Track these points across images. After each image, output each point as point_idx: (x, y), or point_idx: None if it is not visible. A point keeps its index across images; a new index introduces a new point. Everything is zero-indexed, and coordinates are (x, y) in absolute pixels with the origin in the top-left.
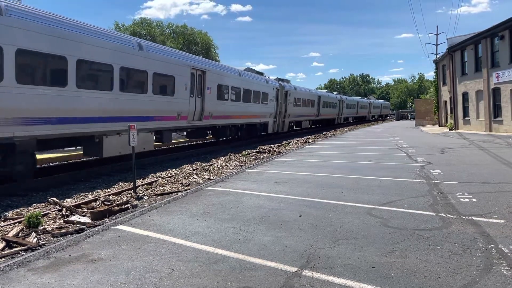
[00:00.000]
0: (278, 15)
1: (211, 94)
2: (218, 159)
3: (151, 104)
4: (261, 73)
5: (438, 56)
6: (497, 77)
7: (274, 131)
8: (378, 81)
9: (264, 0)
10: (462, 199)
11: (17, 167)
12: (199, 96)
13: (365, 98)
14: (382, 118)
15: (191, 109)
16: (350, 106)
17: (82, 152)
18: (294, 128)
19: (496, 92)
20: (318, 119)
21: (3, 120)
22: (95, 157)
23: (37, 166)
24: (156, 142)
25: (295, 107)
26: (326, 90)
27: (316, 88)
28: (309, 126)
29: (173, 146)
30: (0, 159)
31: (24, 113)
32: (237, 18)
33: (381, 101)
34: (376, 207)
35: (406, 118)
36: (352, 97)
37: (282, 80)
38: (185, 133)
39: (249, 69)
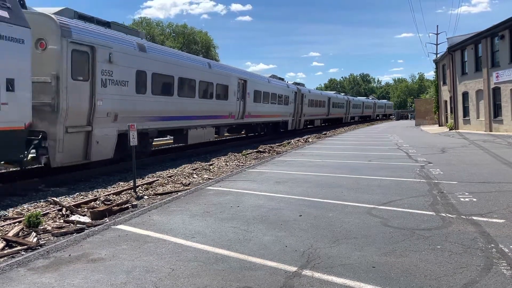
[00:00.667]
0: (278, 14)
1: (250, 98)
2: (218, 158)
3: (214, 106)
4: (282, 79)
5: (438, 55)
6: (497, 76)
7: (293, 128)
8: (378, 80)
9: (264, 0)
10: (462, 199)
11: (148, 147)
12: (242, 100)
13: (370, 98)
14: (386, 117)
15: (237, 110)
16: (356, 106)
17: (172, 141)
18: (308, 126)
19: (496, 91)
20: (328, 118)
21: (143, 118)
22: (183, 144)
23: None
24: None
25: (309, 108)
26: (334, 92)
27: (316, 88)
28: (320, 124)
29: (173, 146)
30: (138, 142)
31: (153, 113)
32: (237, 17)
33: (385, 101)
34: (376, 206)
35: (406, 118)
36: (358, 97)
37: (298, 84)
38: (226, 128)
39: (273, 76)
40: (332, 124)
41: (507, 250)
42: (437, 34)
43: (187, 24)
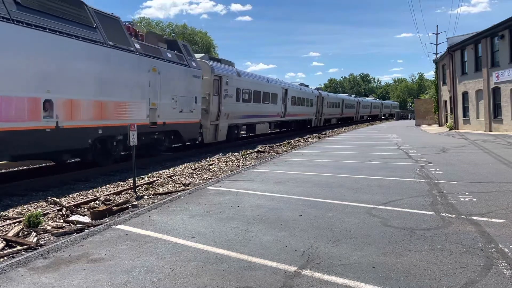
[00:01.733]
0: (278, 14)
1: (289, 102)
2: (218, 158)
3: (270, 109)
4: (307, 86)
5: (438, 55)
6: (497, 76)
7: (315, 125)
8: (378, 80)
9: (264, 0)
10: (462, 199)
11: (238, 134)
12: (284, 104)
13: (377, 99)
14: (392, 116)
15: (282, 111)
16: (365, 106)
17: (244, 132)
18: (326, 124)
19: (496, 91)
20: (342, 117)
21: (238, 116)
22: (251, 134)
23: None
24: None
25: (327, 108)
26: (347, 95)
27: (316, 88)
28: (336, 122)
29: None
30: (234, 131)
31: (241, 113)
32: (237, 17)
33: (391, 101)
34: (376, 206)
35: (406, 118)
36: (367, 99)
37: (319, 89)
38: (274, 124)
39: (302, 84)
40: (345, 122)
41: (507, 250)
42: (437, 34)
43: (187, 24)
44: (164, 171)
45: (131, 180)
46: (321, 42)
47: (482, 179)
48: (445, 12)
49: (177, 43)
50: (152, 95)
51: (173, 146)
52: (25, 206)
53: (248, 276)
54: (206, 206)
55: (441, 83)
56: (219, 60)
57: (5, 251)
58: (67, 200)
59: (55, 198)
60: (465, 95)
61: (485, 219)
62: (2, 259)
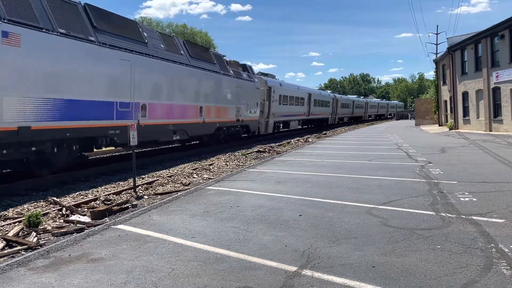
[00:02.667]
0: (277, 14)
1: (312, 104)
2: (218, 158)
3: (299, 109)
4: (324, 89)
5: (438, 55)
6: (497, 76)
7: (331, 123)
8: (378, 80)
9: (264, 0)
10: (462, 199)
11: (277, 130)
12: (308, 105)
13: (384, 100)
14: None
15: (307, 111)
16: (373, 106)
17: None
18: (339, 122)
19: (496, 91)
20: (352, 116)
21: (279, 115)
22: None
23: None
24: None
25: (340, 109)
26: (356, 96)
27: (316, 88)
28: (347, 121)
29: (173, 146)
30: (278, 127)
31: (281, 114)
32: (237, 17)
33: (396, 101)
34: (376, 206)
35: (406, 118)
36: (374, 99)
37: (333, 92)
38: (301, 122)
39: (320, 88)
40: (355, 120)
41: (507, 250)
42: (437, 34)
43: (187, 24)
44: (164, 171)
45: (131, 180)
46: (321, 42)
47: (482, 179)
48: (445, 12)
49: (246, 66)
50: (237, 102)
51: (242, 135)
52: (25, 206)
53: (248, 276)
54: (206, 206)
55: (441, 83)
56: (266, 75)
57: (5, 251)
58: (67, 200)
59: (55, 198)
60: (465, 95)
61: (485, 219)
62: (2, 259)
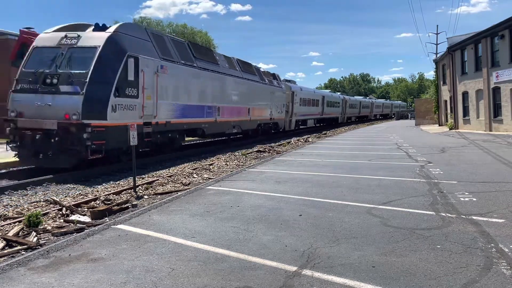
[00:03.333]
0: (277, 14)
1: (325, 105)
2: (218, 158)
3: (315, 109)
4: (335, 92)
5: (438, 55)
6: (497, 76)
7: (340, 122)
8: (378, 80)
9: (264, 0)
10: (462, 199)
11: (297, 126)
12: (322, 106)
13: (388, 100)
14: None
15: (321, 111)
16: (378, 106)
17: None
18: (347, 121)
19: (496, 91)
20: (359, 115)
21: (300, 114)
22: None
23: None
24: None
25: (349, 109)
26: (362, 97)
27: (316, 88)
28: (354, 120)
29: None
30: (298, 124)
31: (301, 113)
32: (237, 17)
33: (399, 101)
34: (376, 206)
35: (406, 118)
36: (379, 100)
37: (342, 93)
38: (315, 120)
39: (331, 90)
40: (361, 120)
41: (507, 250)
42: (437, 34)
43: (187, 24)
44: (164, 171)
45: (131, 180)
46: (320, 42)
47: (482, 179)
48: (445, 12)
49: (275, 75)
50: (270, 104)
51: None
52: (25, 206)
53: (248, 276)
54: (206, 205)
55: (441, 83)
56: (289, 81)
57: (5, 251)
58: (67, 200)
59: (55, 198)
60: (465, 95)
61: (485, 219)
62: (2, 259)
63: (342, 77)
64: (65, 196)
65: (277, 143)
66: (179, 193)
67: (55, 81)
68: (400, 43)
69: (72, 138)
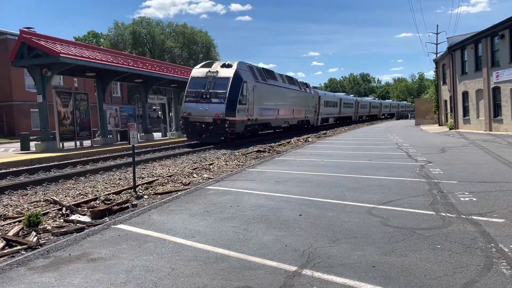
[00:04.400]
0: (277, 14)
1: (342, 106)
2: (218, 158)
3: (334, 110)
4: (350, 95)
5: (438, 55)
6: (497, 76)
7: (353, 120)
8: (378, 80)
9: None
10: (462, 198)
11: (323, 124)
12: (340, 107)
13: (394, 100)
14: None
15: (339, 111)
16: (386, 106)
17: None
18: (359, 120)
19: (496, 91)
20: (370, 114)
21: (324, 114)
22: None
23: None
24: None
25: (360, 109)
26: (372, 98)
27: (314, 87)
28: (365, 119)
29: (173, 145)
30: (322, 122)
31: (325, 114)
32: (237, 17)
33: (405, 102)
34: (376, 206)
35: (406, 117)
36: (387, 100)
37: (355, 95)
38: (335, 118)
39: (346, 93)
40: (371, 118)
41: (507, 250)
42: (437, 33)
43: (187, 24)
44: (164, 170)
45: (131, 180)
46: (320, 41)
47: (482, 179)
48: (445, 12)
49: (307, 84)
50: (304, 106)
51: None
52: (25, 206)
53: (248, 276)
54: (206, 205)
55: (441, 82)
56: (316, 87)
57: (5, 251)
58: (67, 200)
59: (55, 198)
60: (465, 94)
61: (485, 218)
62: (2, 259)
63: (342, 77)
64: (65, 196)
65: (277, 143)
66: (179, 193)
67: (208, 96)
68: (400, 43)
69: (219, 127)
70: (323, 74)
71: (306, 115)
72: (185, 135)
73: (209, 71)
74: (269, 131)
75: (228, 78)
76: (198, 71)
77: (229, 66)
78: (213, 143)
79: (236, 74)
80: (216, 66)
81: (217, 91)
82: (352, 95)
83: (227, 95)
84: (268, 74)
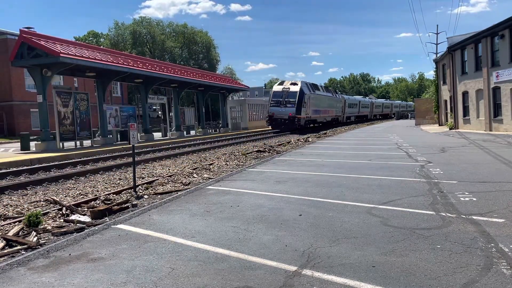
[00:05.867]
0: (277, 14)
1: (360, 106)
2: (218, 158)
3: (354, 110)
4: (366, 96)
5: (438, 55)
6: (497, 76)
7: (369, 118)
8: (378, 80)
9: (263, 0)
10: (462, 198)
11: (347, 121)
12: (357, 107)
13: (402, 101)
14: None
15: (358, 111)
16: (396, 106)
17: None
18: (374, 119)
19: (496, 91)
20: (382, 113)
21: (347, 113)
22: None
23: None
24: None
25: (374, 109)
26: (384, 100)
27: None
28: (378, 117)
29: (173, 145)
30: (345, 120)
31: (347, 113)
32: (237, 17)
33: (411, 102)
34: (376, 206)
35: (406, 117)
36: (397, 101)
37: (369, 96)
38: (355, 116)
39: (363, 96)
40: (383, 117)
41: (507, 250)
42: (437, 33)
43: (187, 24)
44: (164, 170)
45: (131, 180)
46: (320, 41)
47: (482, 179)
48: (444, 12)
49: (336, 90)
50: (335, 108)
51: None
52: (25, 206)
53: (248, 276)
54: (206, 205)
55: (441, 82)
56: (342, 92)
57: (5, 251)
58: (67, 200)
59: (55, 198)
60: (465, 94)
61: (485, 218)
62: (2, 259)
63: (342, 77)
64: (65, 196)
65: (277, 143)
66: (179, 193)
67: (284, 103)
68: (400, 43)
69: (291, 121)
70: (323, 74)
71: (336, 114)
72: (270, 126)
73: (283, 87)
74: (316, 125)
75: (296, 92)
76: (276, 87)
77: (295, 84)
78: (288, 131)
79: (300, 89)
80: (287, 84)
81: (289, 99)
82: (367, 97)
83: (296, 103)
84: (315, 87)
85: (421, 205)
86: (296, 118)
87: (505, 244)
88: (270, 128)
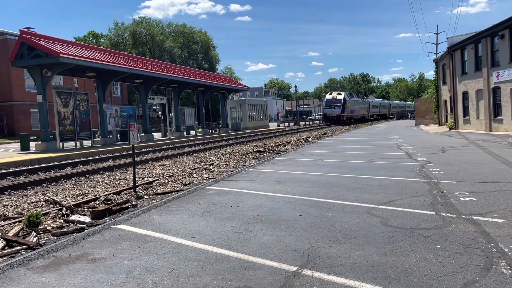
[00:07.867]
0: (277, 14)
1: (380, 107)
2: (218, 158)
3: (375, 110)
4: (380, 98)
5: (438, 55)
6: (497, 76)
7: (387, 117)
8: (378, 80)
9: (263, 0)
10: (462, 198)
11: (370, 119)
12: (379, 108)
13: (402, 101)
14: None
15: (378, 111)
16: (401, 106)
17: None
18: (390, 116)
19: (496, 91)
20: (391, 112)
21: (370, 113)
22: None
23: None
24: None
25: (392, 108)
26: (398, 101)
27: (316, 88)
28: (390, 116)
29: (173, 146)
30: (369, 118)
31: (372, 113)
32: (236, 17)
33: (410, 102)
34: (376, 206)
35: (406, 118)
36: (408, 102)
37: (381, 97)
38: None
39: (376, 97)
40: (392, 116)
41: (507, 250)
42: (437, 33)
43: (186, 24)
44: (164, 170)
45: (131, 180)
46: (320, 42)
47: (482, 179)
48: (444, 12)
49: (363, 95)
50: (363, 108)
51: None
52: (25, 206)
53: (248, 276)
54: (206, 205)
55: (441, 82)
56: (367, 96)
57: (5, 251)
58: (67, 200)
59: (55, 198)
60: (465, 94)
61: (485, 218)
62: (2, 259)
63: (342, 77)
64: (65, 196)
65: (277, 143)
66: (179, 193)
67: (333, 106)
68: (400, 43)
69: (338, 118)
70: (323, 74)
71: (363, 113)
72: (324, 121)
73: (332, 96)
74: (351, 120)
75: (341, 99)
76: (328, 96)
77: (340, 93)
78: (336, 124)
79: (344, 97)
80: (334, 94)
81: (336, 104)
82: (386, 100)
83: (341, 106)
84: (351, 95)
85: (421, 205)
86: (341, 116)
87: (505, 244)
88: (324, 123)
